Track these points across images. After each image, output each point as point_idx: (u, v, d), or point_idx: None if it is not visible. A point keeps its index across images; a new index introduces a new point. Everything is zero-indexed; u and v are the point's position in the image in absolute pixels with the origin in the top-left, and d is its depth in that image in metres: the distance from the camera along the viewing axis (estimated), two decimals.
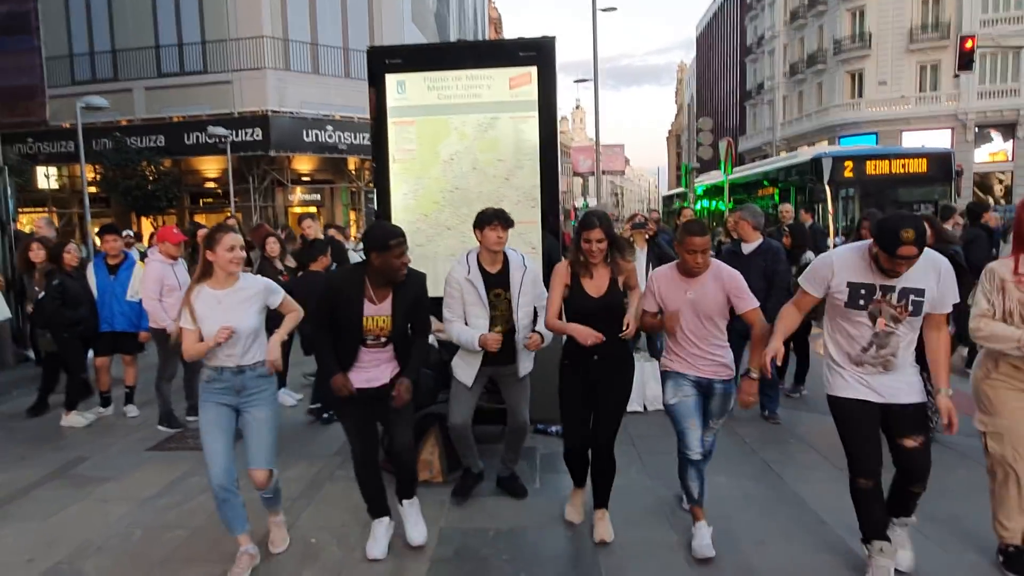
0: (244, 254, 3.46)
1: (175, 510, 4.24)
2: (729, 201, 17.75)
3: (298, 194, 22.45)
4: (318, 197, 22.48)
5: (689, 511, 3.66)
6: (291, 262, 6.98)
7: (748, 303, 3.42)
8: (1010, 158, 31.91)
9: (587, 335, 3.43)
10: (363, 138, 20.34)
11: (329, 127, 20.32)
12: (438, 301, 4.35)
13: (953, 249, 4.99)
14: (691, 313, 3.46)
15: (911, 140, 30.85)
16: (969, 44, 18.37)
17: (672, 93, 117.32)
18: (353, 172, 22.54)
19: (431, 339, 4.89)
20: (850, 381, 3.11)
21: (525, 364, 4.05)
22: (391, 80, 5.29)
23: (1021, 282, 3.06)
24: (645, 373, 5.99)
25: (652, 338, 6.72)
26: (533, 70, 5.22)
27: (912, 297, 2.95)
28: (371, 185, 21.64)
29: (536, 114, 5.25)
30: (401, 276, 3.40)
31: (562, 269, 3.63)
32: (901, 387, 3.05)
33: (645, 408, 6.05)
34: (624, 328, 3.57)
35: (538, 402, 4.39)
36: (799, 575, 3.33)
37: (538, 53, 5.22)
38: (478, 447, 4.75)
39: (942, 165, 14.63)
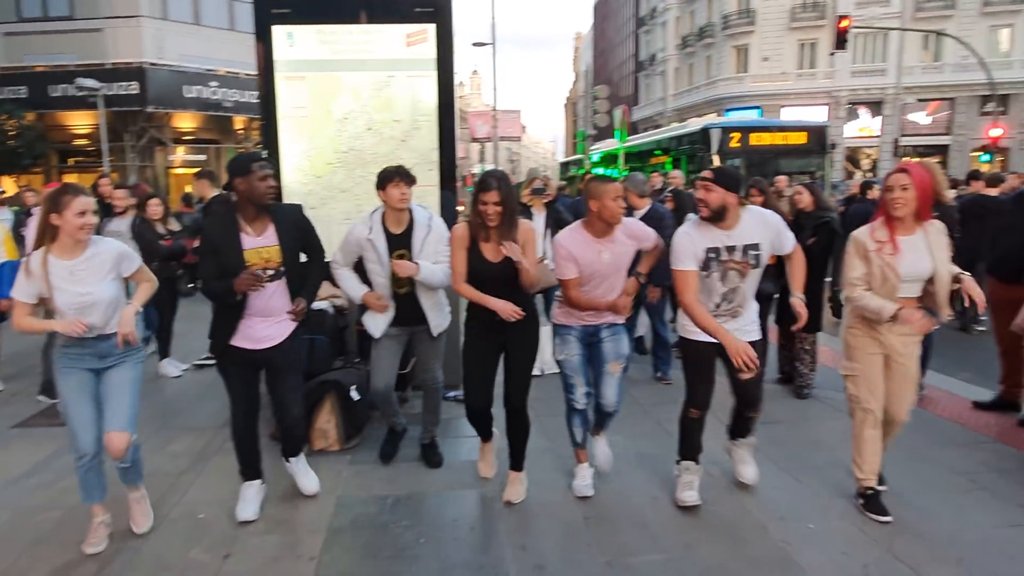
0: (96, 219, 3.15)
1: (47, 490, 3.93)
2: (624, 168, 18.15)
3: (180, 154, 21.12)
4: (203, 158, 21.22)
5: (575, 454, 3.90)
6: (175, 225, 6.55)
7: (652, 240, 3.68)
8: (877, 133, 34.28)
9: (509, 311, 3.44)
10: (251, 96, 19.30)
11: (213, 83, 19.16)
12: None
13: (829, 215, 5.31)
14: (610, 274, 3.56)
15: (790, 114, 32.55)
16: (844, 24, 19.48)
17: (570, 61, 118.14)
18: (240, 132, 21.40)
19: (326, 304, 4.74)
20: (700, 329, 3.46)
21: (437, 322, 3.98)
22: (279, 31, 5.00)
23: (881, 249, 3.35)
24: (541, 338, 6.04)
25: (549, 301, 6.79)
26: (431, 27, 5.07)
27: (751, 252, 3.38)
28: (260, 146, 20.67)
29: (434, 74, 5.12)
30: (268, 199, 3.34)
31: (460, 232, 3.56)
32: (744, 329, 3.48)
33: (542, 371, 6.11)
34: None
35: None
36: (688, 525, 3.48)
37: (436, 10, 5.07)
38: (372, 413, 4.69)
39: (819, 138, 15.55)
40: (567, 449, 4.23)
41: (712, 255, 3.36)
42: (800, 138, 15.57)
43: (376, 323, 3.92)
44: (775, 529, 3.41)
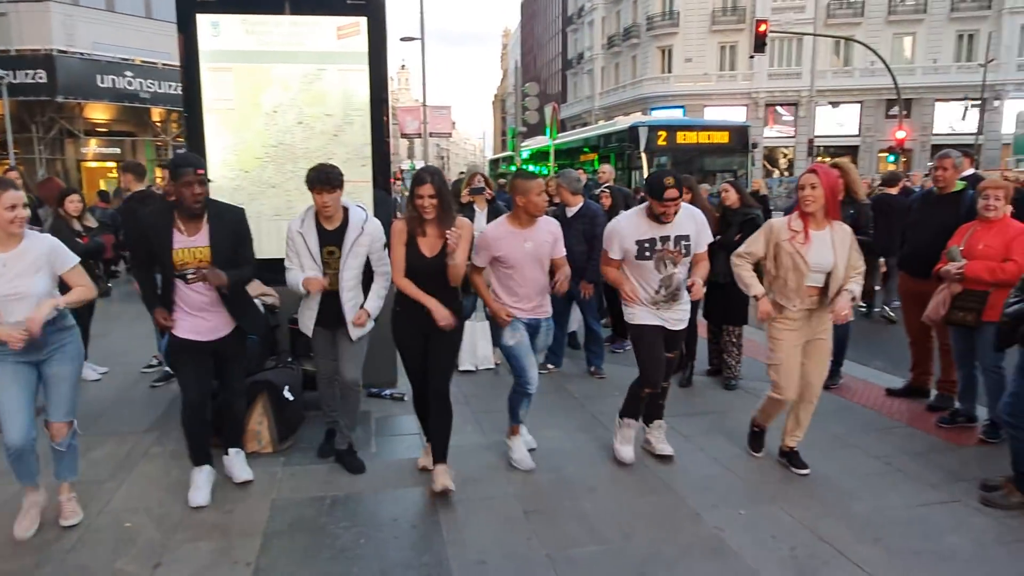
0: (28, 212, 3.12)
1: None
2: (554, 165, 18.32)
3: (92, 146, 20.07)
4: (118, 151, 20.24)
5: (509, 432, 4.16)
6: (91, 222, 6.23)
7: (562, 249, 3.98)
8: (793, 135, 35.73)
9: (444, 316, 3.60)
10: (169, 87, 18.54)
11: (128, 72, 18.28)
12: (264, 262, 4.10)
13: (754, 212, 5.51)
14: (532, 261, 3.83)
15: (712, 114, 33.57)
16: (763, 28, 20.19)
17: (498, 57, 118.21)
18: (158, 124, 20.52)
19: (257, 303, 4.61)
20: (647, 314, 3.92)
21: (354, 330, 3.88)
22: (203, 20, 4.82)
23: (794, 238, 3.77)
24: (476, 333, 6.06)
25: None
26: (363, 20, 4.99)
27: (683, 242, 3.81)
28: (180, 139, 19.86)
29: (366, 67, 5.04)
30: (194, 207, 3.41)
31: (399, 227, 3.67)
32: (681, 317, 3.98)
33: (476, 368, 6.13)
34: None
35: (371, 366, 4.29)
36: (627, 516, 3.55)
37: (367, 3, 4.99)
38: (307, 413, 4.59)
39: (741, 138, 16.13)
40: (504, 446, 4.26)
41: (646, 245, 3.78)
42: (723, 137, 16.10)
43: (305, 319, 3.94)
44: (708, 516, 3.52)
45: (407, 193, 4.16)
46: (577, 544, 3.29)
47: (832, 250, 3.75)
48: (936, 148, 29.47)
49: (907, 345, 5.43)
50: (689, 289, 3.81)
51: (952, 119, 33.29)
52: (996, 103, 33.00)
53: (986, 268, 4.21)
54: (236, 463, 3.89)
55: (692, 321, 4.26)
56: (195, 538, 3.33)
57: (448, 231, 3.51)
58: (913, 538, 3.31)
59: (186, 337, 3.56)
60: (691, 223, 3.85)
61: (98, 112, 19.57)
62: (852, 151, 33.59)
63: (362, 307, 3.84)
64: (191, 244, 3.46)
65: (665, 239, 3.78)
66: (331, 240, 3.77)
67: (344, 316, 3.82)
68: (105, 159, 20.13)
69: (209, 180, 3.53)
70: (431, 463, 3.82)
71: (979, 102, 29.65)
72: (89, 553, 3.21)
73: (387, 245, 3.82)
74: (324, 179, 3.63)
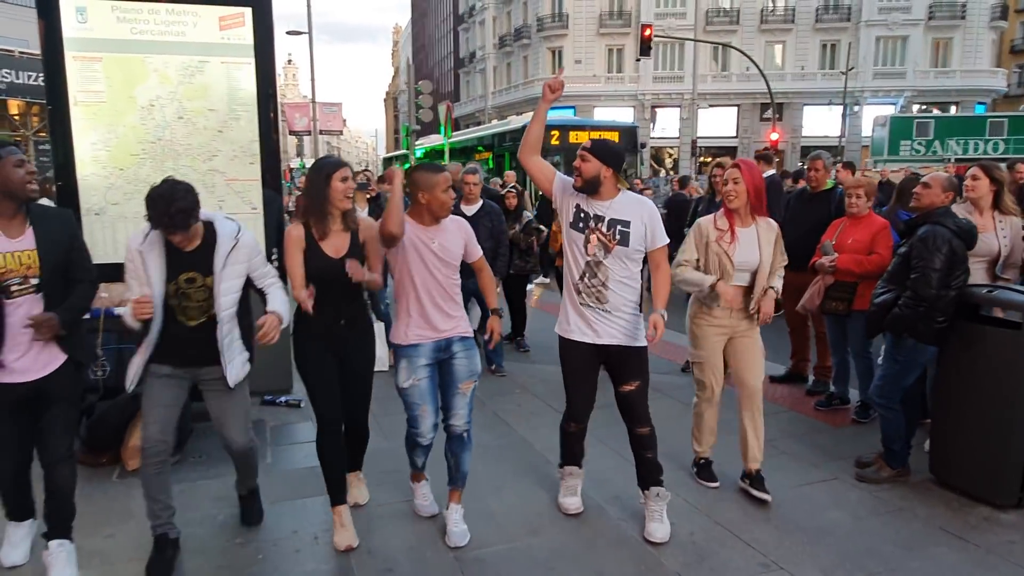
0: None
1: None
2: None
3: None
4: None
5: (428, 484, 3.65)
6: None
7: (478, 251, 3.43)
8: (676, 135, 37.33)
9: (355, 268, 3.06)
10: (29, 77, 16.99)
11: None
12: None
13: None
14: (438, 263, 3.22)
15: (601, 115, 34.59)
16: (648, 33, 20.95)
17: (389, 54, 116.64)
18: (17, 118, 18.80)
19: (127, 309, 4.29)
20: (573, 323, 3.34)
21: (236, 367, 3.10)
22: (68, 5, 4.44)
23: (721, 237, 3.62)
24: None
25: (375, 297, 6.65)
26: (247, 11, 4.75)
27: (619, 228, 3.22)
28: (43, 134, 18.30)
29: (252, 61, 4.81)
30: (29, 191, 2.79)
31: (293, 232, 3.16)
32: (618, 330, 3.29)
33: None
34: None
35: (263, 371, 4.07)
36: (532, 513, 3.58)
37: None
38: (195, 425, 4.32)
39: (631, 138, 16.71)
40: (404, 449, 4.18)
41: (581, 215, 3.27)
42: (614, 137, 16.55)
43: (132, 368, 3.07)
44: (611, 508, 3.61)
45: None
46: (485, 544, 3.28)
47: (758, 247, 3.61)
48: (805, 149, 31.72)
49: (787, 334, 5.77)
50: (653, 336, 3.18)
51: (819, 122, 35.86)
52: (856, 108, 35.77)
53: (855, 261, 4.53)
54: (57, 562, 2.93)
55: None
56: (78, 565, 3.05)
57: (348, 263, 3.03)
58: (799, 516, 3.53)
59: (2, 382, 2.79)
60: (636, 211, 3.26)
61: None
62: (731, 151, 35.47)
63: (266, 313, 3.06)
64: (14, 248, 2.78)
65: (599, 219, 3.23)
66: (189, 264, 2.98)
67: (220, 357, 3.03)
68: None
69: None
70: (350, 539, 3.23)
71: (841, 107, 32.06)
72: None
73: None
74: (169, 224, 2.82)
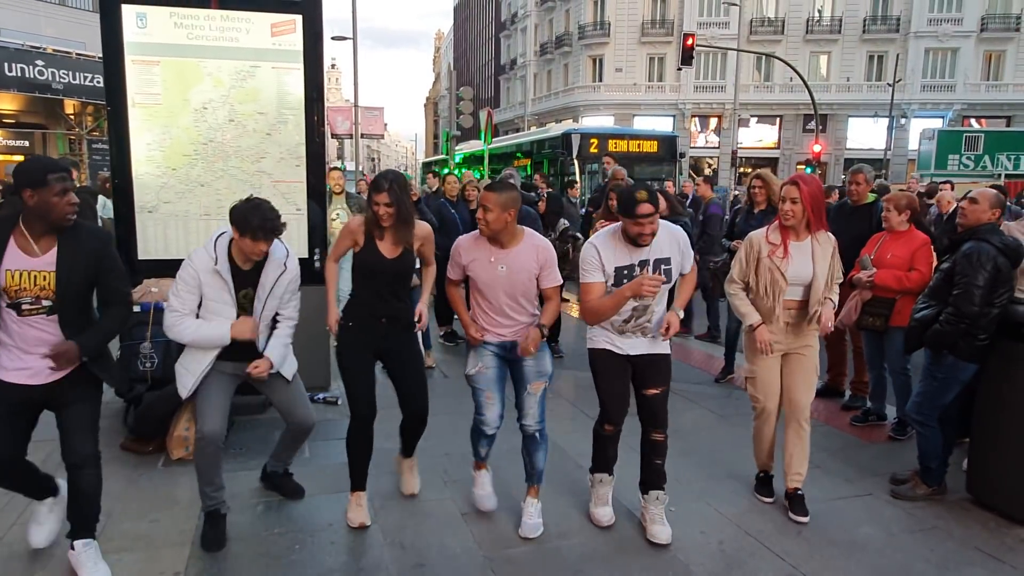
0: None
1: None
2: (488, 170, 18.40)
3: None
4: (26, 144, 19.12)
5: (474, 467, 3.73)
6: None
7: (555, 279, 3.40)
8: (716, 145, 37.00)
9: (332, 321, 3.42)
10: (85, 78, 17.64)
11: (39, 61, 17.28)
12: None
13: (683, 220, 5.70)
14: (503, 285, 3.30)
15: (641, 124, 34.39)
16: (690, 42, 20.84)
17: (430, 60, 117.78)
18: (72, 117, 19.50)
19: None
20: (607, 342, 3.39)
21: (288, 363, 3.40)
22: (129, 11, 4.65)
23: (773, 252, 3.56)
24: None
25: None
26: (298, 18, 4.91)
27: (663, 267, 3.29)
28: (95, 133, 18.95)
29: (301, 66, 4.97)
30: (66, 219, 2.72)
31: (355, 225, 3.40)
32: (644, 340, 3.37)
33: None
34: (416, 319, 3.50)
35: (302, 370, 4.15)
36: (562, 516, 3.62)
37: (303, 1, 4.92)
38: (235, 418, 4.44)
39: (670, 147, 16.63)
40: (439, 447, 4.27)
41: (624, 272, 3.27)
42: (653, 146, 16.56)
43: (188, 377, 3.23)
44: (640, 513, 3.62)
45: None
46: (514, 544, 3.33)
47: (811, 261, 3.54)
48: (849, 161, 31.17)
49: (823, 348, 5.71)
50: (665, 332, 3.29)
51: (864, 134, 35.21)
52: (903, 121, 35.05)
53: (893, 277, 4.48)
54: (87, 561, 2.91)
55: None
56: (119, 549, 3.19)
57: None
58: (831, 530, 3.51)
59: (11, 382, 2.78)
60: (672, 245, 3.33)
61: (4, 102, 18.45)
62: (772, 163, 35.02)
63: (262, 355, 3.27)
64: (31, 267, 2.73)
65: (644, 263, 3.26)
66: (247, 281, 3.20)
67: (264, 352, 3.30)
68: (13, 152, 18.97)
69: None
70: (363, 517, 3.44)
71: (887, 119, 31.45)
72: (2, 568, 3.04)
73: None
74: (271, 229, 3.04)
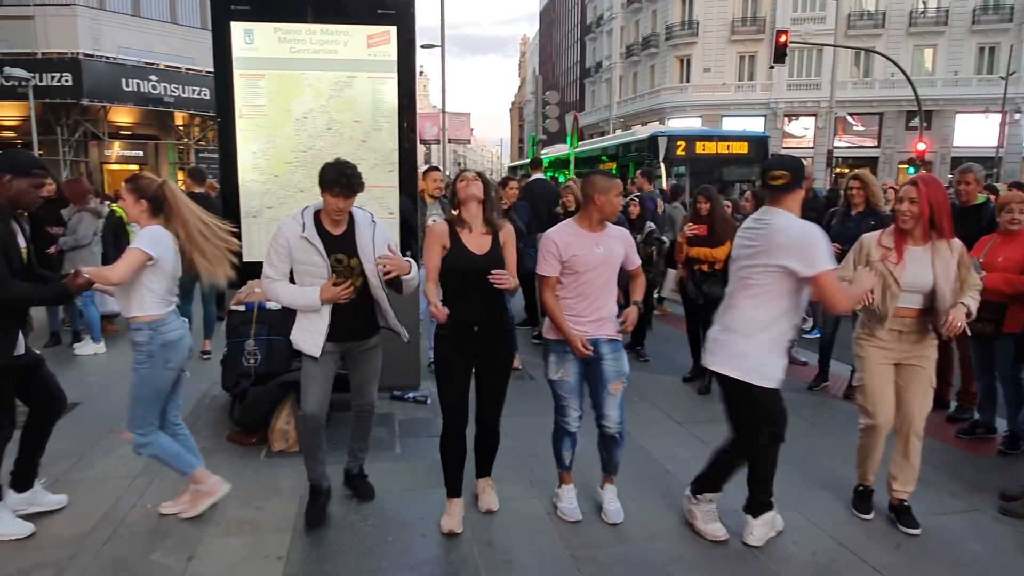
0: None
1: None
2: (573, 174, 18.41)
3: (116, 149, 20.39)
4: (140, 154, 20.56)
5: (559, 475, 3.73)
6: None
7: (638, 259, 3.60)
8: (811, 145, 35.62)
9: (440, 313, 3.24)
10: (193, 91, 18.83)
11: (153, 76, 18.57)
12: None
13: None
14: (603, 268, 3.38)
15: (730, 124, 33.53)
16: (783, 39, 20.20)
17: (516, 65, 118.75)
18: (181, 128, 20.83)
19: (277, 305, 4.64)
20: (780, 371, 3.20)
21: (397, 324, 3.53)
22: (237, 28, 4.95)
23: (886, 257, 3.39)
24: None
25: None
26: (392, 29, 5.10)
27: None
28: (202, 143, 20.14)
29: (395, 75, 5.15)
30: (33, 209, 3.40)
31: (438, 229, 3.38)
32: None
33: None
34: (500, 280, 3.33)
35: (393, 369, 4.34)
36: (650, 519, 3.61)
37: (397, 12, 5.10)
38: (333, 414, 4.63)
39: (761, 148, 16.16)
40: (526, 448, 4.34)
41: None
42: (743, 147, 16.13)
43: (313, 339, 3.34)
44: (730, 520, 3.54)
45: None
46: (601, 545, 3.35)
47: (931, 268, 3.32)
48: (956, 160, 29.36)
49: None
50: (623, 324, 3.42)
51: (973, 131, 33.11)
52: (1016, 116, 32.76)
53: (1005, 280, 4.23)
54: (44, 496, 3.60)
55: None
56: (227, 533, 3.42)
57: (494, 275, 3.22)
58: (933, 545, 3.35)
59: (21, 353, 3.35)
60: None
61: (122, 115, 19.91)
62: (871, 163, 33.44)
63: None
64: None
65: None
66: (339, 246, 3.31)
67: (374, 328, 3.52)
68: (128, 161, 20.43)
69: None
70: (455, 524, 3.45)
71: (1000, 114, 29.47)
72: (123, 545, 3.30)
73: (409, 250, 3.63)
74: (346, 184, 3.17)
